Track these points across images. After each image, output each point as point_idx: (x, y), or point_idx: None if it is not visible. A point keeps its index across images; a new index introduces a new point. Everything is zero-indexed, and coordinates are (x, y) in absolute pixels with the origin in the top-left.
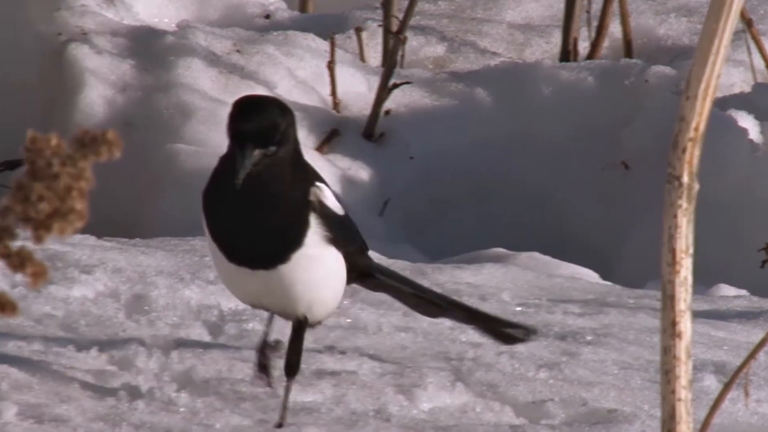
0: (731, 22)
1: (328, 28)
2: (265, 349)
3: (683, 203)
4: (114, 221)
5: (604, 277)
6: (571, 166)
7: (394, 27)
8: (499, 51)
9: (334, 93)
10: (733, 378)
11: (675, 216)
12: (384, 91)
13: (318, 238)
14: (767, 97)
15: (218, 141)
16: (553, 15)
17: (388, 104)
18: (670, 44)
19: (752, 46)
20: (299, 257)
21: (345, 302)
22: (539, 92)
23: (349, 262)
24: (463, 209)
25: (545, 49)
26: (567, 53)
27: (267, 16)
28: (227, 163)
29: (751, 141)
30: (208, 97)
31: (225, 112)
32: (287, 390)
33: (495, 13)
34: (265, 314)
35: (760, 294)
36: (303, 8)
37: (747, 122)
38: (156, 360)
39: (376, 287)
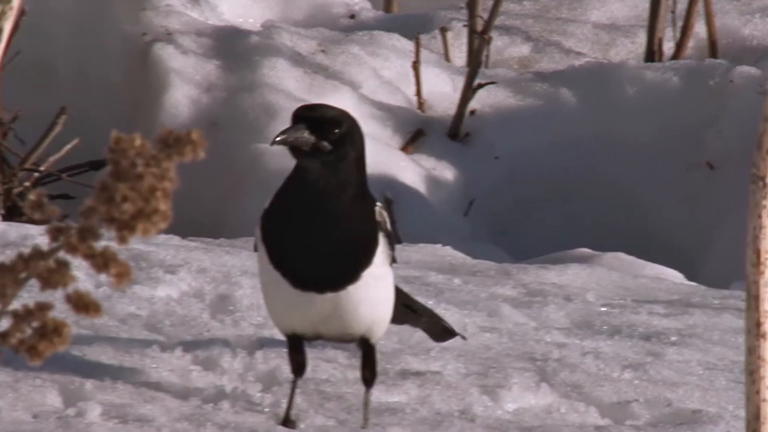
0: None
1: (413, 28)
2: (288, 423)
3: None
4: (198, 221)
5: (689, 277)
6: (656, 167)
7: (479, 27)
8: (584, 51)
9: (419, 93)
10: None
11: (760, 216)
12: (469, 91)
13: (384, 257)
14: None
15: None
16: (638, 15)
17: (473, 104)
18: (755, 44)
19: None
20: (368, 276)
21: (430, 302)
22: (624, 92)
23: None
24: (548, 209)
25: (630, 49)
26: (652, 53)
27: (352, 16)
28: (290, 184)
29: None
30: (293, 97)
31: None
32: (367, 399)
33: (580, 13)
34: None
35: None
36: (388, 8)
37: None
38: (240, 360)
39: None
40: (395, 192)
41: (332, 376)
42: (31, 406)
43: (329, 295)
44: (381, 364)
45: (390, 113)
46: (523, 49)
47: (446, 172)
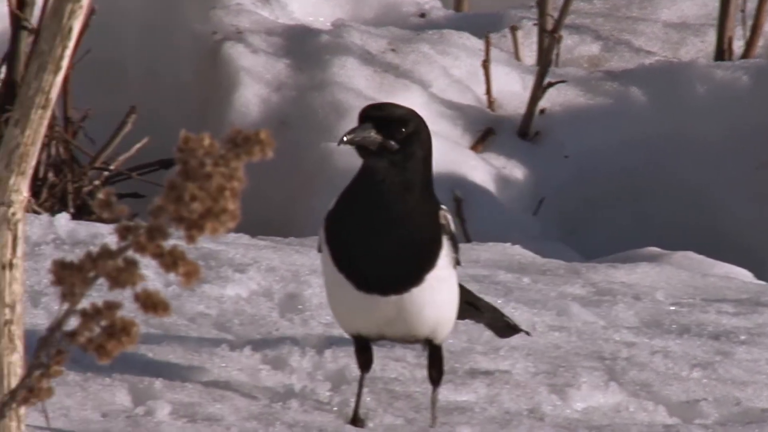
0: None
1: (483, 26)
2: (356, 422)
3: None
4: (267, 220)
5: (759, 276)
6: (726, 165)
7: (550, 26)
8: (654, 50)
9: (489, 92)
10: None
11: None
12: (539, 90)
13: (448, 260)
14: None
15: None
16: (708, 14)
17: (543, 103)
18: None
19: None
20: (431, 279)
21: (498, 301)
22: (694, 91)
23: None
24: (618, 208)
25: (700, 47)
26: (722, 52)
27: (422, 15)
28: (356, 184)
29: None
30: (363, 96)
31: None
32: (434, 398)
33: (650, 11)
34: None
35: None
36: (458, 7)
37: None
38: (309, 359)
39: None
40: (465, 191)
41: (401, 375)
42: (100, 405)
43: (393, 298)
44: (450, 363)
45: (460, 112)
46: (593, 48)
47: (516, 171)
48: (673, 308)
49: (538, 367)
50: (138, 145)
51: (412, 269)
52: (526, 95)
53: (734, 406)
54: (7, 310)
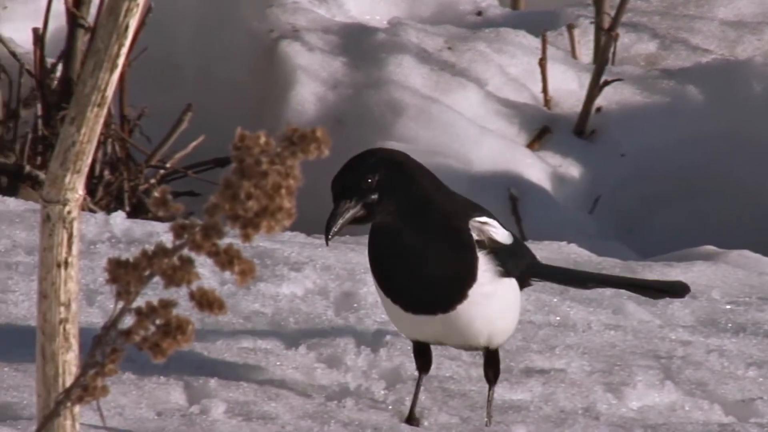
0: None
1: (539, 25)
2: (412, 421)
3: None
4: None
5: None
6: None
7: (606, 24)
8: (711, 48)
9: (545, 90)
10: None
11: None
12: (595, 88)
13: (491, 275)
14: None
15: (429, 138)
16: (765, 12)
17: (600, 101)
18: None
19: None
20: (475, 295)
21: (554, 300)
22: (751, 89)
23: (521, 283)
24: (674, 207)
25: (757, 46)
26: None
27: (479, 13)
28: (374, 236)
29: None
30: (419, 95)
31: (437, 110)
32: (490, 396)
33: (707, 9)
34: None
35: None
36: (515, 5)
37: None
38: (364, 357)
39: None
40: (521, 189)
41: (456, 374)
42: (155, 404)
43: (440, 316)
44: (505, 362)
45: (516, 110)
46: (650, 46)
47: (572, 170)
48: (728, 307)
49: (594, 366)
50: (194, 143)
51: (448, 291)
52: (582, 93)
53: None
54: (62, 309)
